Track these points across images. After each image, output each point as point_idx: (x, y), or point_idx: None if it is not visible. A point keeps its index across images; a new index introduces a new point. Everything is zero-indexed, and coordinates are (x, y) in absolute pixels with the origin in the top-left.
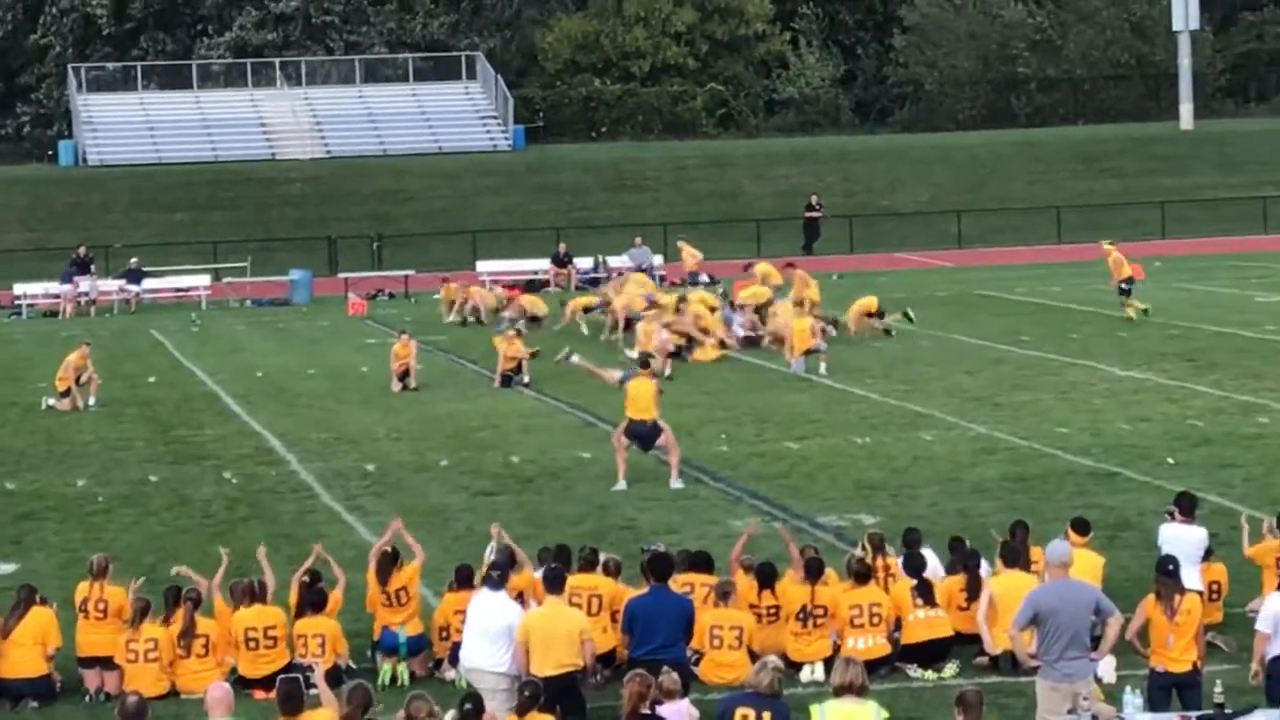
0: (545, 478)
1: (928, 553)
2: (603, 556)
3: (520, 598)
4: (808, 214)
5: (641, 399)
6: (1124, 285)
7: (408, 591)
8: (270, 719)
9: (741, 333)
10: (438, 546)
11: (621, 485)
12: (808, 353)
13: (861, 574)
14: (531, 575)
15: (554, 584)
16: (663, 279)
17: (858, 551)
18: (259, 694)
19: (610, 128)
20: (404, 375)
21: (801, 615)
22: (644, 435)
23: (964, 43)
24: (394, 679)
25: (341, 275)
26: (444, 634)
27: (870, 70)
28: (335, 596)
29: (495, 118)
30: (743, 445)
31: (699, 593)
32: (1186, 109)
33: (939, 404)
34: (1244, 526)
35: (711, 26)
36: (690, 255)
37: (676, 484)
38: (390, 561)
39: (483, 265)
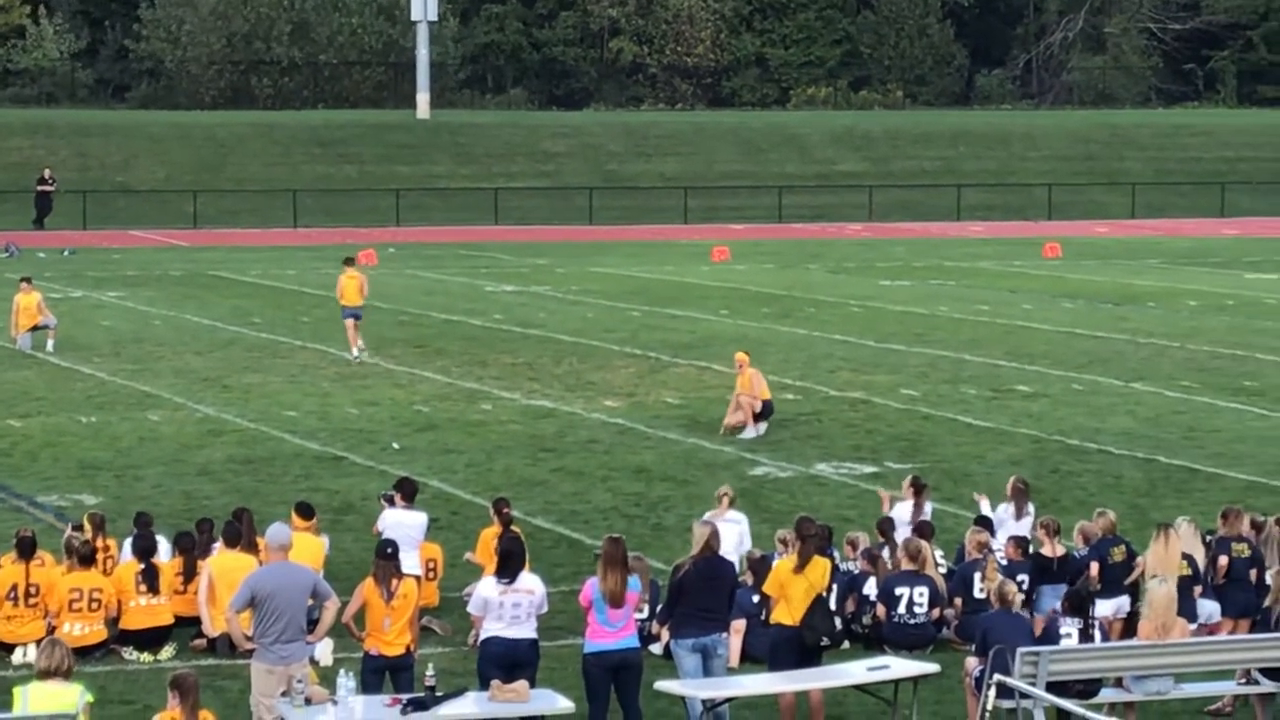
0: None
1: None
2: None
3: None
4: (40, 188)
5: None
6: None
7: None
8: None
9: None
10: None
11: None
12: (34, 329)
13: (86, 556)
14: None
15: None
16: None
17: (76, 531)
18: None
19: None
20: None
21: (13, 595)
22: None
23: (210, 21)
24: None
25: None
26: None
27: (115, 45)
28: None
29: None
30: None
31: None
32: (423, 98)
33: (167, 384)
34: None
35: None
36: None
37: None
38: None
39: None
